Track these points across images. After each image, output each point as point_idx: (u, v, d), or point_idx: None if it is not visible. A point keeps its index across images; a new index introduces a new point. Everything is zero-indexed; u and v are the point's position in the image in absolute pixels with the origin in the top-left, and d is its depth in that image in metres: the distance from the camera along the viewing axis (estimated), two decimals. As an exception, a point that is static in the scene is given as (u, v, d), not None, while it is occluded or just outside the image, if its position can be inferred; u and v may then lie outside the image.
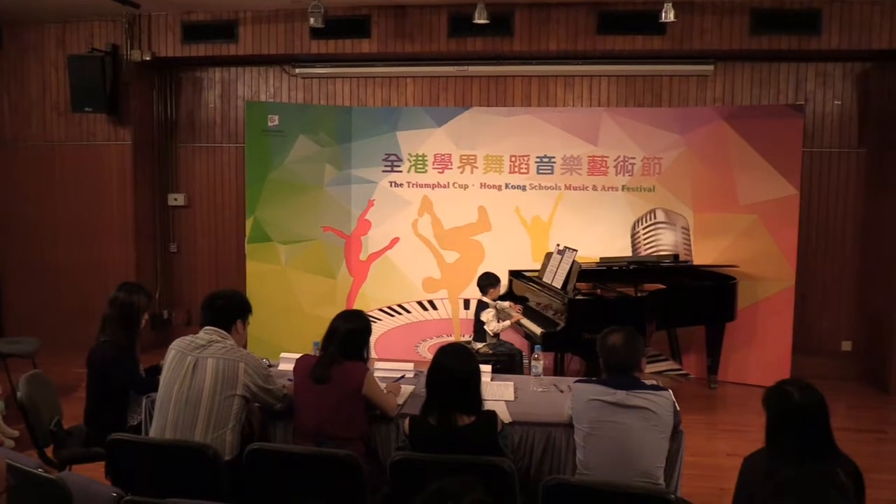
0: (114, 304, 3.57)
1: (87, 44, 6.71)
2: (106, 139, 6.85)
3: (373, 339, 6.51)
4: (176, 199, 7.27)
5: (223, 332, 3.01)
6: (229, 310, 3.08)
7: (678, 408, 2.89)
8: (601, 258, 5.92)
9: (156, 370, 3.34)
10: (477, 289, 5.67)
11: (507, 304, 5.59)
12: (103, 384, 3.47)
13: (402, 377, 3.75)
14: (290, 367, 3.70)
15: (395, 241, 6.61)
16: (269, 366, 3.63)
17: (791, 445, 2.24)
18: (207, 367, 2.89)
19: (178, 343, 3.01)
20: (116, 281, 3.98)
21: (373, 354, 6.15)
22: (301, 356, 3.16)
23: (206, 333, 3.00)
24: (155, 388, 3.04)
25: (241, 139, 7.03)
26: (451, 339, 6.55)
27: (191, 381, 2.88)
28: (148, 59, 6.65)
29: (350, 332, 3.06)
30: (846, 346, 6.47)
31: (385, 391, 3.24)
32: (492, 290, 5.54)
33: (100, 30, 6.75)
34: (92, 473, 3.00)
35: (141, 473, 2.77)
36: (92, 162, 6.87)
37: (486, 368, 3.57)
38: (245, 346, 3.11)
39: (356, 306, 6.65)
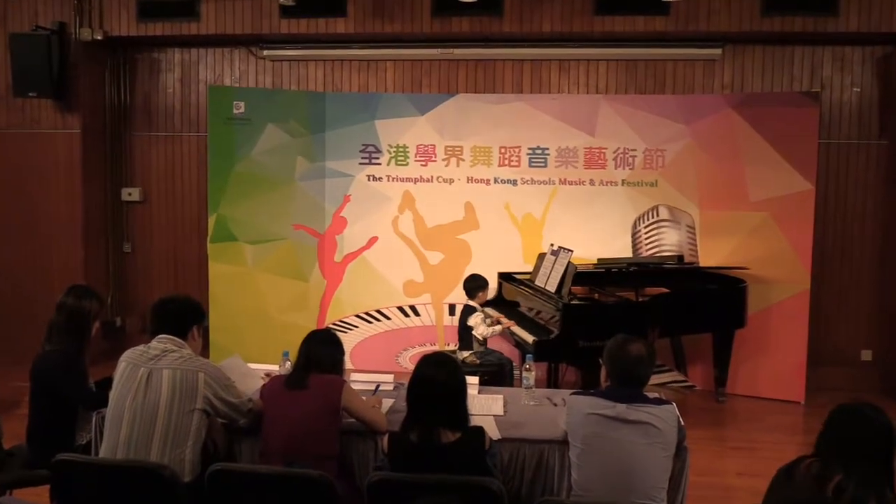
0: (61, 310, 3.53)
1: (31, 21, 6.64)
2: (52, 127, 6.78)
3: (349, 348, 6.52)
4: (130, 194, 7.21)
5: (179, 339, 3.00)
6: (184, 315, 3.08)
7: (683, 423, 2.90)
8: (599, 259, 5.94)
9: (107, 383, 3.30)
10: (462, 293, 5.67)
11: (493, 312, 5.59)
12: (48, 399, 3.43)
13: (378, 388, 3.74)
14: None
15: (374, 240, 6.60)
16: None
17: (845, 459, 2.25)
18: (163, 379, 2.86)
19: (129, 354, 2.99)
20: (63, 284, 3.94)
21: (349, 365, 6.15)
22: (271, 378, 3.18)
23: (160, 342, 2.98)
24: (106, 403, 3.02)
25: (202, 128, 6.99)
26: (435, 347, 6.54)
27: (145, 394, 2.85)
28: (99, 38, 6.59)
29: (328, 356, 3.11)
30: (866, 355, 6.53)
31: (369, 404, 3.25)
32: (480, 294, 5.54)
33: (45, 5, 6.68)
34: (36, 498, 2.97)
35: (90, 498, 2.74)
36: (36, 152, 6.79)
37: (472, 380, 3.56)
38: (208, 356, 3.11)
39: (330, 312, 6.65)
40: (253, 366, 3.90)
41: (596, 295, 5.67)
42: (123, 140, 7.23)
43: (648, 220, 6.34)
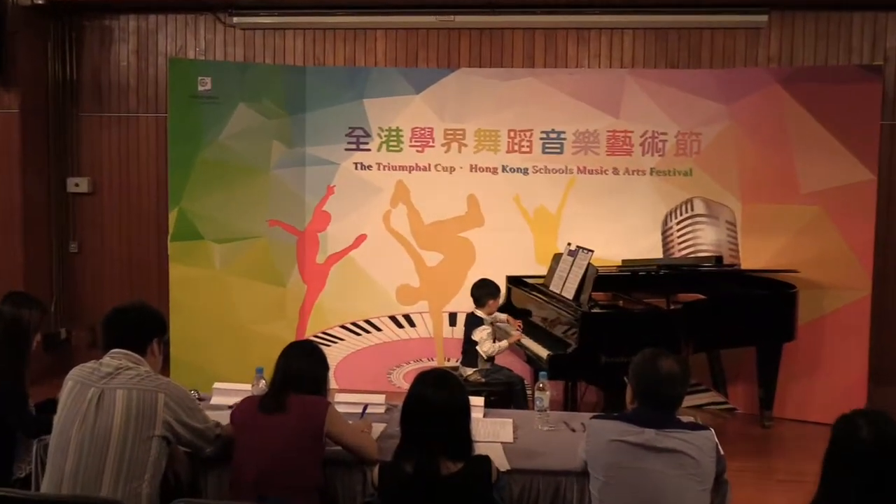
0: (-4, 320, 3.55)
1: (-39, -17, 6.65)
2: (-14, 107, 6.80)
3: (334, 364, 6.52)
4: (77, 185, 7.21)
5: (136, 355, 2.99)
6: (142, 326, 3.08)
7: (722, 451, 2.90)
8: (624, 261, 5.94)
9: (50, 406, 3.30)
10: (465, 300, 5.68)
11: (504, 316, 5.59)
12: (-18, 424, 3.44)
13: (365, 409, 3.75)
14: (224, 400, 3.71)
15: (362, 238, 6.61)
16: (199, 399, 3.61)
17: (849, 494, 2.26)
18: (116, 401, 2.86)
19: (77, 372, 2.98)
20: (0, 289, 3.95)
21: (333, 385, 6.15)
22: (243, 399, 3.19)
23: (114, 358, 2.97)
24: (48, 429, 3.02)
25: (162, 107, 6.99)
26: (434, 363, 6.56)
27: (95, 419, 2.85)
28: (41, 2, 6.59)
29: (309, 373, 3.13)
30: (936, 372, 6.54)
31: (357, 429, 3.26)
32: (490, 302, 5.52)
33: (-22, -35, 6.70)
34: (-33, 539, 2.97)
35: (31, 539, 2.75)
36: (-32, 136, 6.81)
37: (477, 401, 3.57)
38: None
39: (311, 321, 6.65)
40: (221, 385, 3.91)
41: (620, 302, 5.67)
42: (70, 122, 7.23)
43: (681, 215, 6.34)
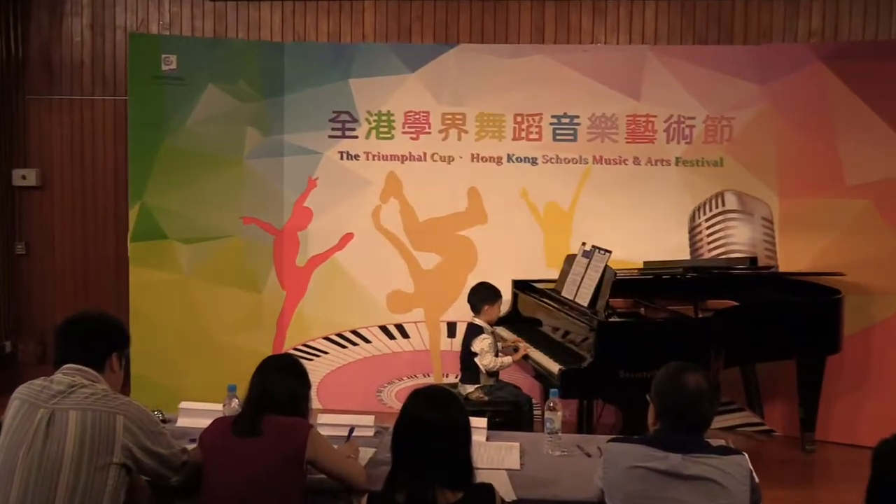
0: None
1: None
2: (-79, 89, 6.81)
3: (316, 380, 6.52)
4: (24, 178, 7.22)
5: (92, 371, 2.99)
6: (100, 338, 3.07)
7: (757, 479, 2.91)
8: (646, 263, 5.95)
9: (-6, 428, 3.31)
10: (465, 308, 5.69)
11: (507, 334, 5.59)
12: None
13: (352, 431, 3.75)
14: (192, 422, 3.71)
15: (348, 238, 6.62)
16: (164, 421, 3.61)
17: None
18: (69, 424, 2.86)
19: (24, 390, 2.98)
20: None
21: (316, 404, 6.16)
22: (213, 421, 3.19)
23: (67, 374, 2.96)
24: (-7, 455, 3.02)
25: (121, 89, 7.00)
26: (430, 380, 6.57)
27: (44, 443, 2.84)
28: (-17, -29, 6.61)
29: (288, 391, 3.13)
30: None
31: (342, 454, 3.26)
32: (486, 308, 5.54)
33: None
34: None
35: (-28, 579, 2.75)
36: None
37: (479, 422, 3.58)
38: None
39: (291, 332, 6.66)
40: (188, 405, 3.91)
41: (642, 310, 5.68)
42: (15, 106, 7.23)
43: (711, 210, 6.35)
